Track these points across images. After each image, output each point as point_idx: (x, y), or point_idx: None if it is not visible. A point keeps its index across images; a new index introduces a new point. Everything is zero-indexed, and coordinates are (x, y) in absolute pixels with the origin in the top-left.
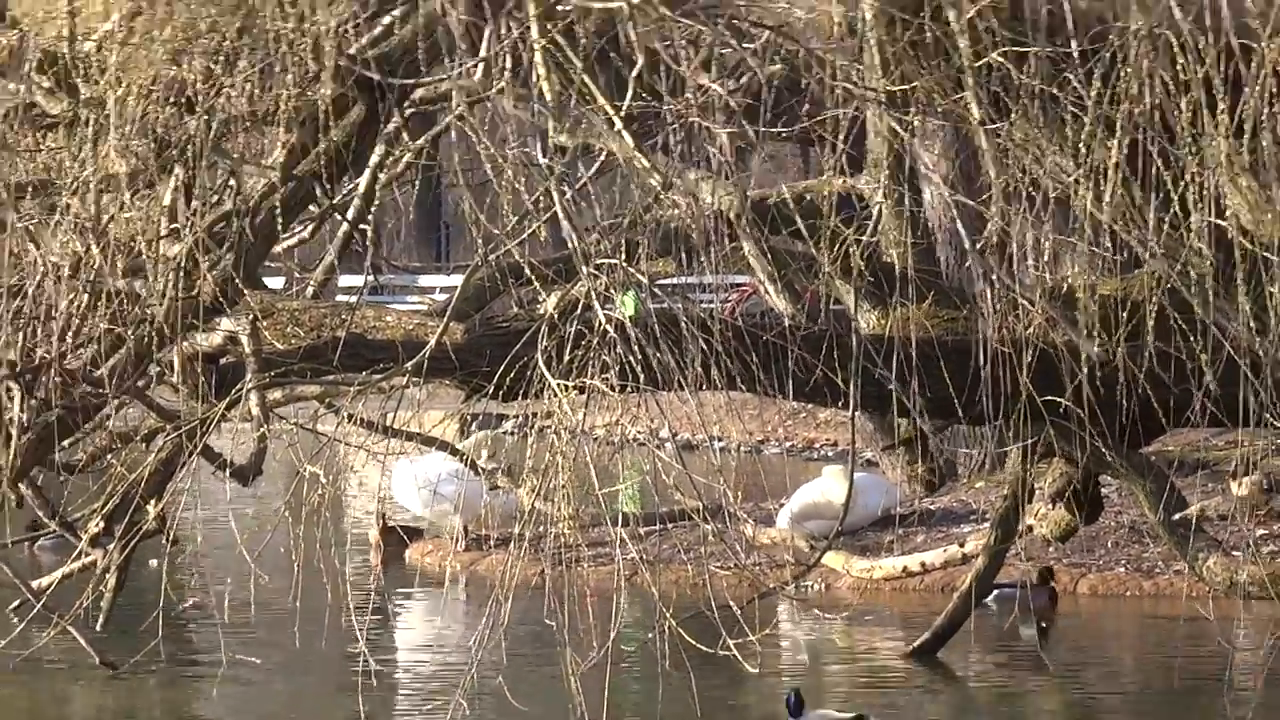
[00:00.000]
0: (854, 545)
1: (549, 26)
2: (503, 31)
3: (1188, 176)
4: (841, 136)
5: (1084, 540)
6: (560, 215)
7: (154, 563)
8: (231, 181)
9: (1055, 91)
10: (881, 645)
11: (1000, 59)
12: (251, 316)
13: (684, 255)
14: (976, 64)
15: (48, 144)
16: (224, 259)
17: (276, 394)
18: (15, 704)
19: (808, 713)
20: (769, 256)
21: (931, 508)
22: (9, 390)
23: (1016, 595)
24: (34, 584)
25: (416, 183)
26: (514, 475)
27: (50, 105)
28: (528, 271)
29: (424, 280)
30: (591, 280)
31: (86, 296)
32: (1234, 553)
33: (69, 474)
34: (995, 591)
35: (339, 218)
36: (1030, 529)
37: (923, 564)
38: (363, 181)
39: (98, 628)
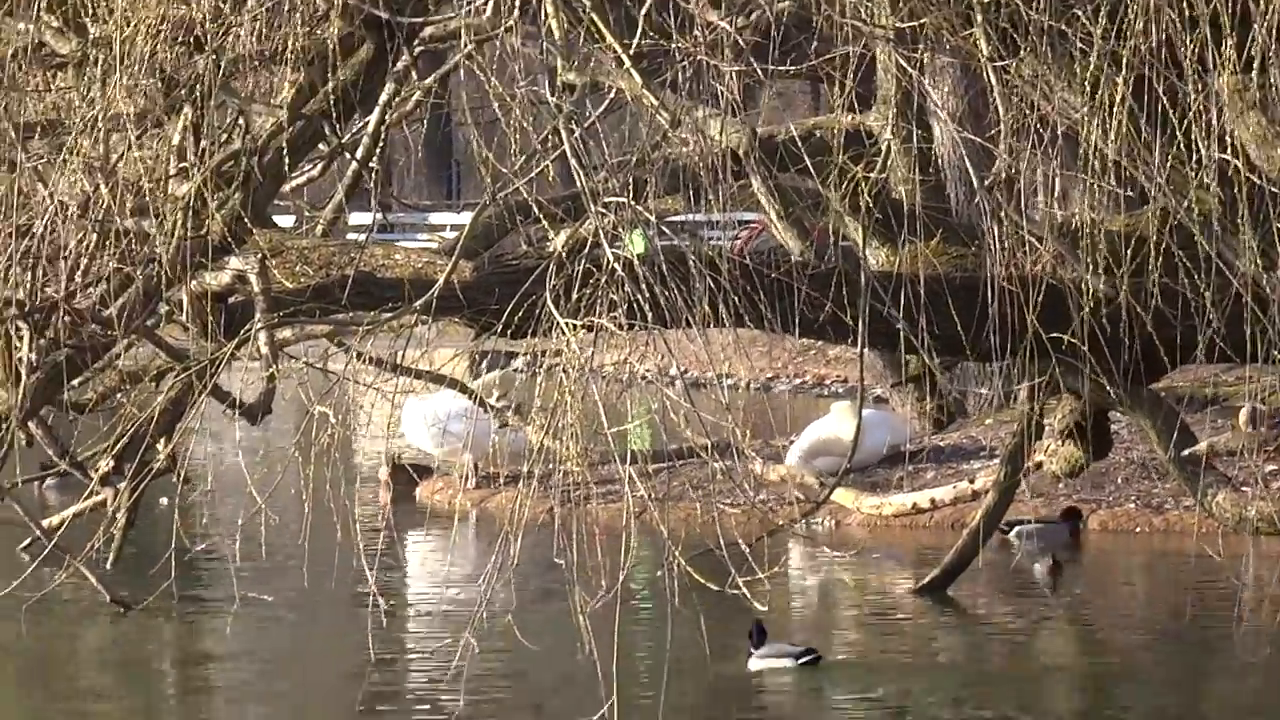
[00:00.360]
0: (864, 482)
1: None
2: None
3: (1195, 112)
4: (850, 73)
5: (1093, 476)
6: (568, 153)
7: (164, 501)
8: (240, 121)
9: (1063, 27)
10: (891, 582)
11: None
12: (260, 255)
13: (692, 193)
14: (985, 0)
15: (57, 83)
16: (232, 198)
17: (286, 332)
18: (27, 643)
19: (767, 645)
20: (777, 194)
21: (941, 444)
22: (18, 330)
23: (1040, 531)
24: (44, 523)
25: (425, 121)
26: (523, 413)
27: (59, 45)
28: (536, 210)
29: (434, 218)
30: (599, 218)
31: (95, 236)
32: (1243, 488)
33: (78, 413)
34: (1018, 526)
35: (348, 156)
36: (1040, 465)
37: (932, 500)
38: (371, 120)
39: (109, 566)
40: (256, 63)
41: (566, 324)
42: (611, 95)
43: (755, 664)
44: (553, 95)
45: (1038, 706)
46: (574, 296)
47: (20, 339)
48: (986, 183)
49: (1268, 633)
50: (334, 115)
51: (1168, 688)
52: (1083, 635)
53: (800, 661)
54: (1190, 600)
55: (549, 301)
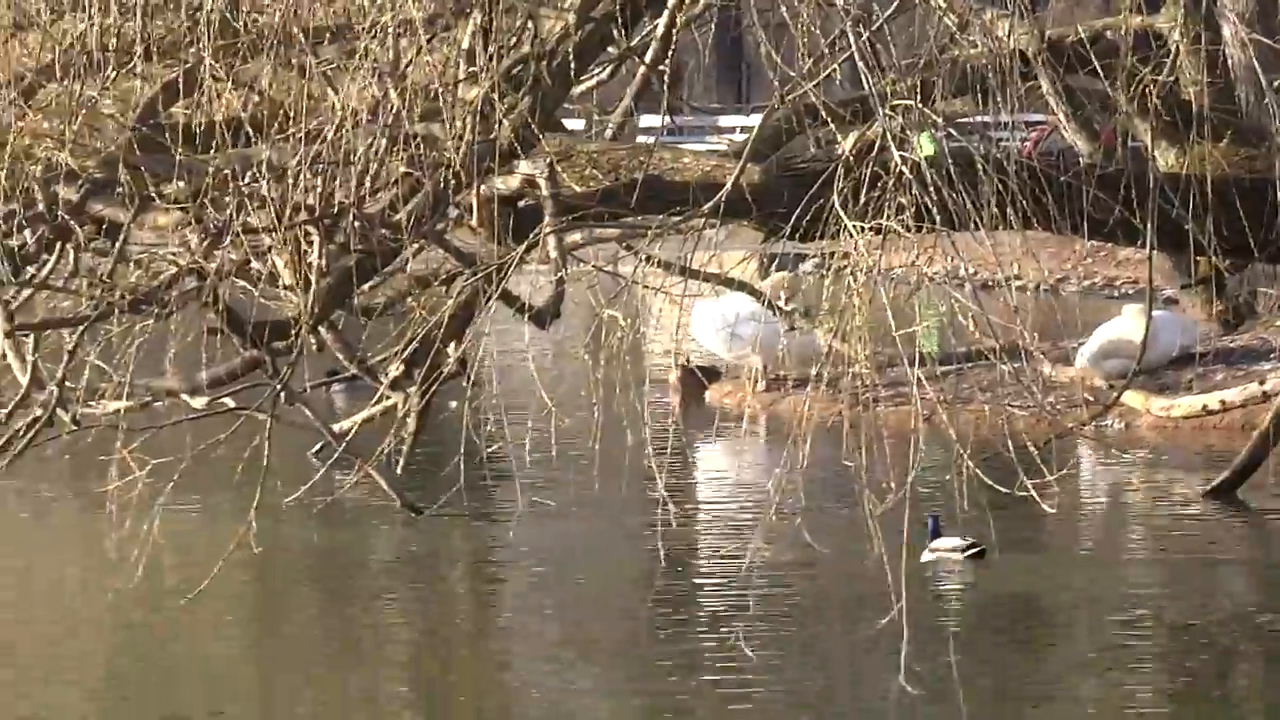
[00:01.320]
0: (1153, 384)
1: None
2: None
3: None
4: None
5: None
6: (856, 56)
7: (453, 405)
8: (529, 24)
9: None
10: (1181, 484)
11: None
12: (549, 159)
13: (980, 94)
14: None
15: None
16: (521, 102)
17: (575, 236)
18: (320, 546)
19: (941, 538)
20: (1066, 95)
21: (1231, 346)
22: (308, 235)
23: None
24: (335, 428)
25: (715, 24)
26: (812, 316)
27: None
28: (824, 112)
29: (723, 121)
30: (888, 121)
31: (384, 141)
32: None
33: (368, 318)
34: None
35: (637, 60)
36: None
37: (1222, 402)
38: (661, 23)
39: (399, 471)
40: None
41: (855, 226)
42: None
43: (927, 555)
44: None
45: None
46: (862, 199)
47: (310, 244)
48: (1276, 84)
49: None
50: (623, 19)
51: None
52: None
53: (966, 554)
54: None
55: (837, 204)
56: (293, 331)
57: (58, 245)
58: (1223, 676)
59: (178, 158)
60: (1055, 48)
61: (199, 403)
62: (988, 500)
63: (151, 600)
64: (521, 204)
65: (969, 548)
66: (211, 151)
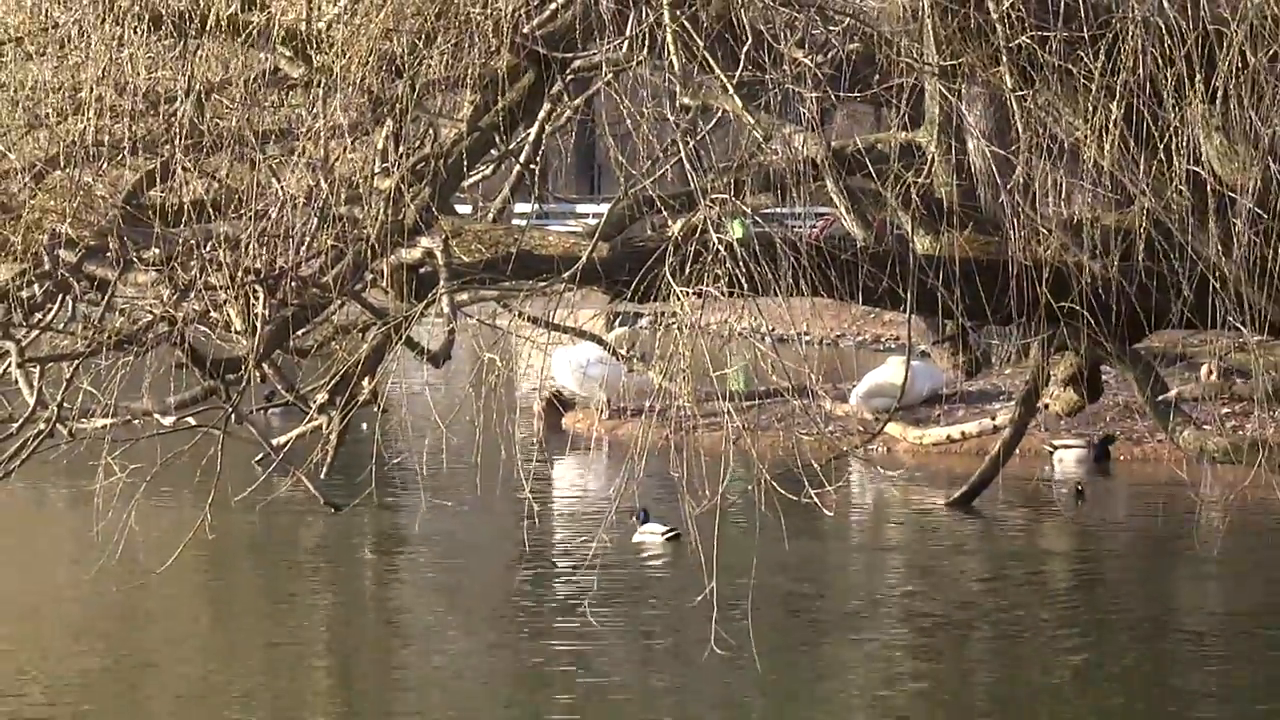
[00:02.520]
0: (909, 418)
1: (679, 12)
2: (642, 16)
3: (1171, 132)
4: (904, 100)
5: (1088, 416)
6: (684, 159)
7: (365, 426)
8: (430, 131)
9: (1070, 66)
10: (928, 496)
11: (1029, 40)
12: (444, 236)
13: (779, 191)
14: (1010, 44)
15: (289, 101)
16: (423, 191)
17: (463, 296)
18: (260, 536)
19: (648, 524)
20: (846, 193)
21: (970, 389)
22: (255, 292)
23: (1075, 454)
24: (273, 442)
25: (574, 132)
26: (646, 360)
27: (291, 70)
28: (659, 203)
29: (580, 208)
30: (708, 210)
31: (316, 220)
32: (1204, 426)
33: (301, 357)
34: (1059, 450)
35: (514, 160)
36: (1046, 406)
37: (963, 433)
38: (532, 132)
39: (323, 476)
40: (444, 86)
41: (681, 291)
42: (719, 114)
43: (637, 537)
44: (673, 114)
45: (1036, 587)
46: (687, 270)
47: (257, 299)
48: (1008, 186)
49: (1218, 534)
50: (503, 128)
51: (1141, 566)
52: (1074, 534)
53: (665, 537)
54: (1161, 511)
55: (668, 274)
56: (242, 367)
57: (59, 297)
58: (957, 646)
59: (155, 230)
60: (838, 155)
61: (168, 421)
62: (780, 504)
63: (126, 572)
64: (422, 270)
65: (668, 532)
66: (181, 226)
